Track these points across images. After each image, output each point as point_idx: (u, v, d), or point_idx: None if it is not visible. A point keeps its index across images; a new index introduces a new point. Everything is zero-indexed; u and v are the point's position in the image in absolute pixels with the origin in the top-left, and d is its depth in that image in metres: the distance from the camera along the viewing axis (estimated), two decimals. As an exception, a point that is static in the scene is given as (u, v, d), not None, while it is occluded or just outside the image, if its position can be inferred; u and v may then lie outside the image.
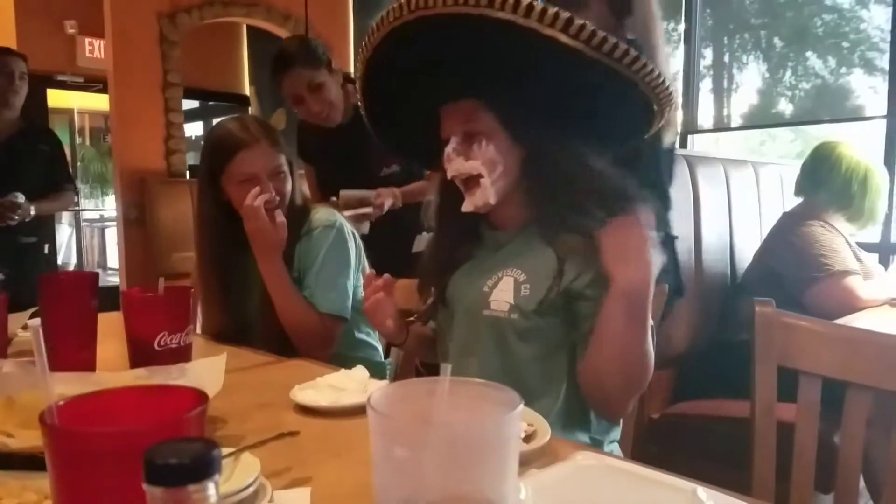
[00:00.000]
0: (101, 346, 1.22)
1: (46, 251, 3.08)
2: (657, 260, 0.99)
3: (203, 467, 0.32)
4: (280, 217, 1.43)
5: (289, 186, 1.53)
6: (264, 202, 1.43)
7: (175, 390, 0.51)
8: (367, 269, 1.64)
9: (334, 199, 2.17)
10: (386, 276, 1.25)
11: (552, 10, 0.92)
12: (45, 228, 3.07)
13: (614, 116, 1.14)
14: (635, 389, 1.06)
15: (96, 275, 1.32)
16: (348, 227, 1.62)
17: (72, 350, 1.17)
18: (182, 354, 1.02)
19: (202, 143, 1.57)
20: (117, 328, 1.10)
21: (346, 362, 1.24)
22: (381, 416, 0.42)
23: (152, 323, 1.01)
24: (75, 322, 1.18)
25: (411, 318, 1.31)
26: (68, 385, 0.87)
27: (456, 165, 1.11)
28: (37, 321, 1.24)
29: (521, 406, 0.44)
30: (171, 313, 1.04)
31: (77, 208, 7.29)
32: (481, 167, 1.09)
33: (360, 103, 1.24)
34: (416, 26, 1.01)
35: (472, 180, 1.11)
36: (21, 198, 2.62)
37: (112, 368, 1.16)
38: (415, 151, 1.41)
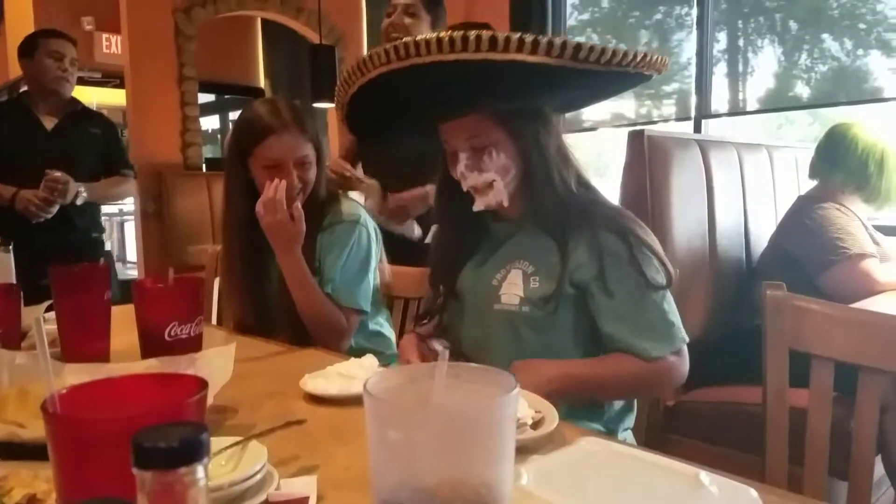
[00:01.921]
0: (116, 338, 1.24)
1: (108, 248, 2.93)
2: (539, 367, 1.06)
3: (192, 450, 0.32)
4: (298, 211, 1.42)
5: (313, 175, 1.52)
6: (286, 189, 1.42)
7: (177, 378, 0.51)
8: (384, 262, 1.65)
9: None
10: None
11: (529, 38, 0.94)
12: (99, 221, 2.82)
13: (608, 90, 1.18)
14: (648, 389, 1.18)
15: (109, 266, 1.34)
16: (371, 223, 1.62)
17: (85, 341, 1.18)
18: (192, 344, 1.03)
19: (233, 123, 1.57)
20: (133, 320, 1.11)
21: (359, 353, 1.24)
22: (375, 400, 0.42)
23: (162, 313, 1.02)
24: (89, 313, 1.20)
25: (424, 321, 1.31)
26: (79, 375, 0.88)
27: (471, 181, 1.14)
28: (51, 314, 1.26)
29: (518, 389, 0.44)
30: (181, 303, 1.05)
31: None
32: (495, 175, 1.12)
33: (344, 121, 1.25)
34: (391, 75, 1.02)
35: (486, 186, 1.14)
36: (57, 174, 2.41)
37: (126, 360, 1.17)
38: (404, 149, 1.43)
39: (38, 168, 2.42)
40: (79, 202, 2.52)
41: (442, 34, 0.96)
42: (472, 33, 0.94)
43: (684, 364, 1.11)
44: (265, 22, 6.00)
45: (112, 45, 6.46)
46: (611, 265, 1.08)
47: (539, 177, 1.13)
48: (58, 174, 2.41)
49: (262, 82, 6.43)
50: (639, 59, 1.01)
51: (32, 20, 5.40)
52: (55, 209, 2.46)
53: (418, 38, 0.98)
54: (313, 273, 1.50)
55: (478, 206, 1.15)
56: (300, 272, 1.46)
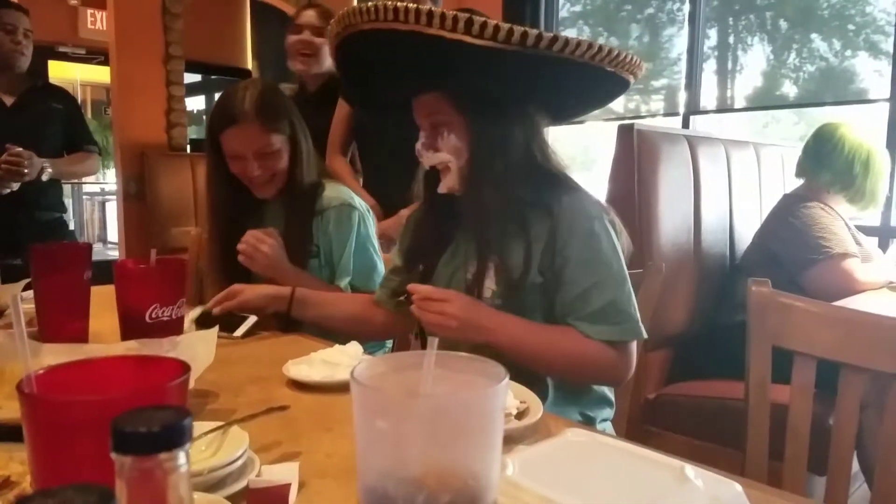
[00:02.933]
0: (95, 319, 1.21)
1: (71, 228, 2.81)
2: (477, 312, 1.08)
3: (173, 435, 0.31)
4: (264, 247, 1.44)
5: (281, 163, 1.50)
6: (254, 175, 1.47)
7: (158, 361, 0.50)
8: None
9: None
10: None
11: (451, 13, 0.95)
12: (62, 201, 2.74)
13: (579, 89, 1.16)
14: (592, 372, 1.10)
15: (90, 246, 1.31)
16: (363, 204, 1.62)
17: (64, 321, 1.16)
18: (174, 327, 1.02)
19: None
20: (113, 301, 1.09)
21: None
22: (363, 388, 0.41)
23: (144, 295, 1.00)
24: (68, 293, 1.17)
25: (401, 299, 1.30)
26: (57, 356, 0.86)
27: (427, 158, 1.17)
28: (30, 292, 1.24)
29: (507, 379, 0.43)
30: (163, 285, 1.03)
31: (78, 181, 7.22)
32: (448, 156, 1.14)
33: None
34: (362, 35, 1.05)
35: (445, 168, 1.16)
36: (19, 149, 2.33)
37: (105, 341, 1.16)
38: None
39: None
40: (44, 178, 2.44)
41: (411, 6, 0.97)
42: (426, 8, 0.96)
43: (625, 361, 1.09)
44: (254, 2, 5.92)
45: (97, 21, 6.36)
46: (571, 251, 1.08)
47: (480, 164, 1.12)
48: (19, 150, 2.33)
49: (249, 63, 6.35)
50: (604, 53, 1.01)
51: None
52: (17, 185, 2.38)
53: (394, 4, 0.99)
54: (311, 256, 1.52)
55: (441, 187, 1.17)
56: (309, 282, 1.46)
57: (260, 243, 1.44)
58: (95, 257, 1.36)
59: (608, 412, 1.19)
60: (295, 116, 1.54)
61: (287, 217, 1.53)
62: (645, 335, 1.10)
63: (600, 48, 1.01)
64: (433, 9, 0.96)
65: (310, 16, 2.34)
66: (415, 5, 0.97)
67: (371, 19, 1.01)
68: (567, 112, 1.25)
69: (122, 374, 0.48)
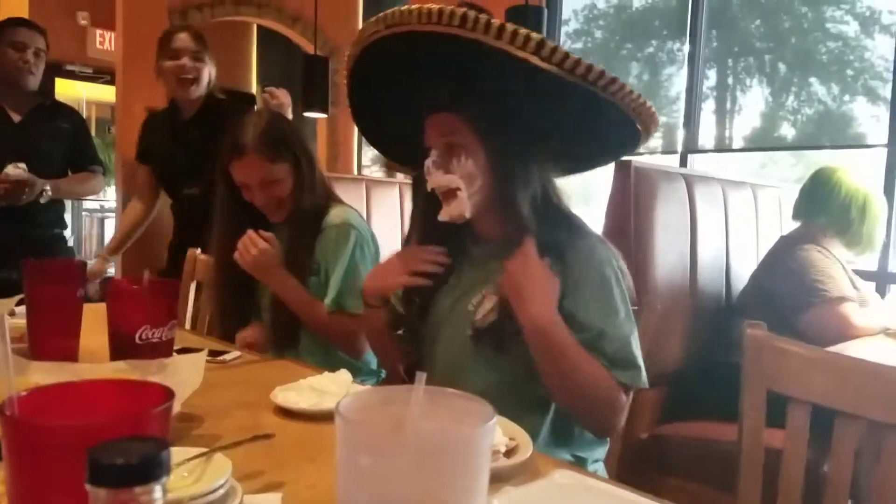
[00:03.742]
0: (87, 337, 1.20)
1: (70, 245, 2.78)
2: (553, 289, 1.04)
3: (149, 469, 0.30)
4: (254, 250, 1.47)
5: (284, 191, 1.56)
6: (260, 203, 1.55)
7: (142, 386, 0.49)
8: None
9: None
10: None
11: (523, 31, 0.92)
12: (63, 217, 2.72)
13: (599, 135, 1.15)
14: (600, 410, 1.06)
15: (83, 263, 1.31)
16: (365, 226, 1.64)
17: (54, 338, 1.15)
18: (163, 349, 1.01)
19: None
20: (106, 319, 1.08)
21: (341, 365, 1.25)
22: (347, 423, 0.40)
23: (134, 315, 0.99)
24: (59, 310, 1.16)
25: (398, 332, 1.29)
26: (45, 373, 0.85)
27: (435, 179, 1.11)
28: (22, 308, 1.22)
29: (495, 419, 0.42)
30: (154, 306, 1.02)
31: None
32: (459, 181, 1.10)
33: (349, 104, 1.25)
34: (398, 40, 1.01)
35: (451, 192, 1.11)
36: (22, 167, 2.33)
37: (96, 360, 1.14)
38: (402, 156, 1.38)
39: (3, 162, 2.34)
40: (42, 200, 2.44)
41: (482, 16, 0.93)
42: (472, 13, 0.93)
43: (624, 408, 1.07)
44: (260, 28, 6.00)
45: (105, 41, 6.44)
46: (582, 295, 1.06)
47: (503, 193, 1.11)
48: (25, 176, 2.34)
49: (254, 88, 6.41)
50: (634, 95, 1.00)
51: (27, 13, 5.34)
52: (16, 204, 2.38)
53: (421, 7, 0.95)
54: (312, 274, 1.56)
55: (442, 215, 1.13)
56: (294, 293, 1.52)
57: (252, 245, 1.48)
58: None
59: (600, 452, 1.17)
60: (298, 144, 1.58)
61: (290, 237, 1.57)
62: (647, 384, 1.08)
63: (629, 88, 1.00)
64: (506, 24, 0.92)
65: (184, 39, 2.34)
66: (485, 16, 0.93)
67: (431, 22, 0.95)
68: (578, 159, 1.24)
69: (105, 399, 0.48)
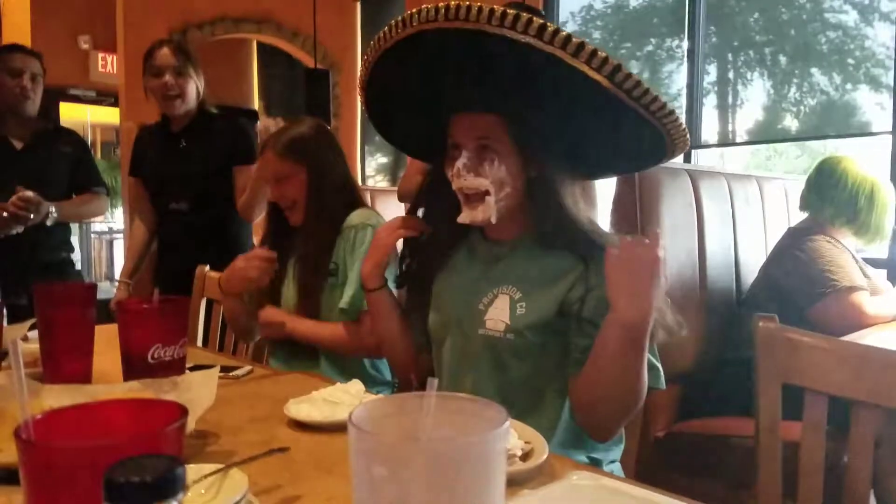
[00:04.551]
0: (99, 357, 1.21)
1: (78, 268, 2.77)
2: (662, 289, 0.96)
3: (165, 486, 0.30)
4: (253, 272, 1.57)
5: (292, 191, 1.62)
6: (274, 199, 1.65)
7: (156, 405, 0.49)
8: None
9: None
10: None
11: (577, 39, 0.90)
12: (69, 241, 2.73)
13: (629, 147, 1.14)
14: (627, 415, 1.03)
15: (94, 286, 1.31)
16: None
17: (67, 360, 1.16)
18: (175, 367, 1.01)
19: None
20: (117, 339, 1.09)
21: (354, 374, 1.29)
22: (360, 433, 0.40)
23: (146, 335, 1.00)
24: (71, 332, 1.17)
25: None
26: (59, 397, 0.86)
27: (466, 181, 1.08)
28: (36, 332, 1.23)
29: (508, 423, 0.42)
30: (165, 325, 1.02)
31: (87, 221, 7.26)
32: (490, 185, 1.08)
33: (362, 100, 1.23)
34: (439, 34, 0.98)
35: (478, 196, 1.09)
36: (28, 193, 2.32)
37: (108, 380, 1.15)
38: (414, 146, 1.39)
39: (7, 189, 2.34)
40: (49, 223, 2.44)
41: (536, 19, 0.91)
42: (525, 15, 0.90)
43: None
44: (260, 44, 6.05)
45: (108, 64, 6.49)
46: (602, 297, 1.02)
47: (540, 209, 1.10)
48: (29, 194, 2.33)
49: (255, 104, 6.45)
50: (673, 116, 0.99)
51: (30, 39, 5.41)
52: (21, 228, 2.38)
53: (469, 3, 0.93)
54: (329, 276, 1.60)
55: (463, 218, 1.11)
56: (301, 326, 1.58)
57: (249, 265, 1.57)
58: (102, 295, 1.36)
59: (616, 452, 1.16)
60: (317, 152, 1.65)
61: (306, 240, 1.64)
62: (664, 385, 1.07)
63: (669, 110, 0.99)
64: (560, 30, 0.91)
65: (165, 56, 2.33)
66: (539, 20, 0.91)
67: (495, 24, 0.91)
68: (601, 167, 1.25)
69: (119, 419, 0.48)
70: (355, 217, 1.63)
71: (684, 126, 1.03)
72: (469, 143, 1.09)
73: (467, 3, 0.93)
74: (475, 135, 1.09)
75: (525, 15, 0.90)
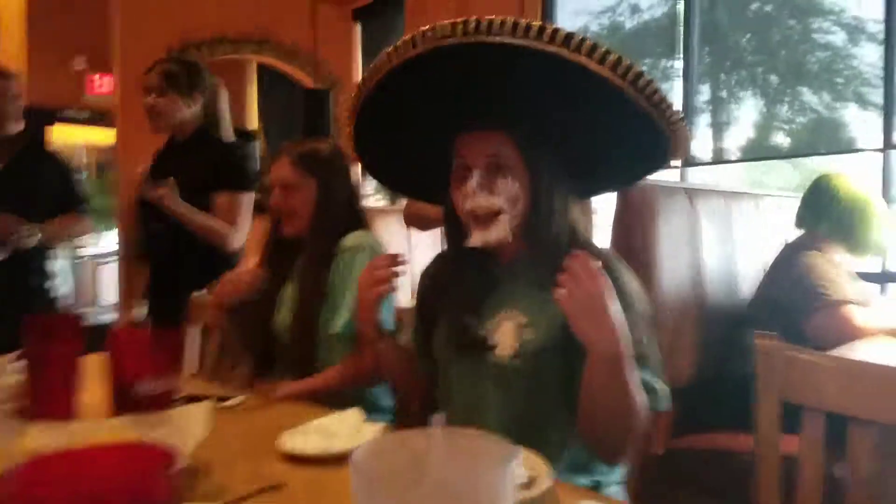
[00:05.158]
0: (86, 389, 1.17)
1: (62, 292, 2.71)
2: (618, 308, 0.94)
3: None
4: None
5: (295, 203, 1.61)
6: (275, 203, 1.62)
7: (145, 449, 0.47)
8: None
9: None
10: None
11: (603, 47, 0.89)
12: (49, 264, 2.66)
13: (627, 158, 1.13)
14: (631, 435, 1.00)
15: (80, 318, 1.26)
16: (381, 248, 1.63)
17: (53, 395, 1.12)
18: (166, 400, 0.98)
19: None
20: (104, 369, 1.06)
21: (354, 401, 1.24)
22: (363, 475, 0.39)
23: (137, 367, 0.97)
24: (57, 366, 1.13)
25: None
26: (44, 436, 0.83)
27: (479, 200, 1.06)
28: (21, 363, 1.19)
29: (515, 461, 0.41)
30: (156, 357, 1.00)
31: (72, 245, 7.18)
32: (504, 203, 1.06)
33: (348, 133, 1.18)
34: (440, 52, 0.95)
35: (489, 216, 1.07)
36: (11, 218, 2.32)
37: (96, 413, 1.11)
38: (406, 186, 1.36)
39: None
40: (32, 243, 2.39)
41: (561, 28, 0.89)
42: (550, 27, 0.89)
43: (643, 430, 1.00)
44: (260, 65, 6.05)
45: (103, 85, 6.49)
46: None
47: (540, 217, 1.08)
48: (12, 218, 2.32)
49: (255, 124, 6.44)
50: (675, 109, 0.98)
51: (26, 60, 5.39)
52: (3, 255, 2.34)
53: (485, 17, 0.90)
54: (324, 299, 1.56)
55: (475, 240, 1.07)
56: (301, 386, 1.52)
57: (241, 273, 1.61)
58: (87, 321, 1.32)
59: (618, 475, 1.14)
60: (333, 170, 1.65)
61: (307, 259, 1.62)
62: (670, 407, 1.05)
63: (671, 105, 0.97)
64: (586, 38, 0.89)
65: (151, 77, 2.34)
66: (537, 23, 0.89)
67: (516, 35, 0.90)
68: (594, 188, 1.25)
69: (107, 464, 0.46)
70: (350, 239, 1.60)
71: (682, 116, 1.00)
72: (480, 161, 1.07)
73: (464, 18, 0.92)
74: (486, 153, 1.07)
75: (522, 21, 0.89)
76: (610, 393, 0.95)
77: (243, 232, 2.28)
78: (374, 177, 1.31)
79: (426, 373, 1.25)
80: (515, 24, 0.89)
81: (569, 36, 0.89)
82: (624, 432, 0.99)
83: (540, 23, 0.90)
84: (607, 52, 0.89)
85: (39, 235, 2.42)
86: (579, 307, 0.92)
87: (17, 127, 2.54)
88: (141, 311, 2.35)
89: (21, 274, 2.48)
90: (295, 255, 1.68)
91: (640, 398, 0.98)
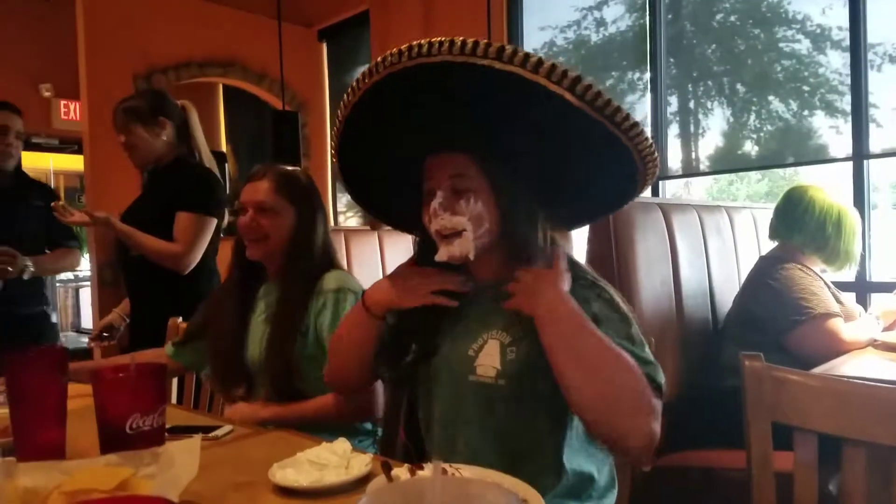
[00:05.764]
0: (72, 422, 1.15)
1: (54, 321, 2.76)
2: (567, 284, 1.03)
3: None
4: None
5: (272, 226, 1.57)
6: (245, 223, 1.57)
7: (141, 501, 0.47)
8: None
9: None
10: None
11: (561, 67, 0.91)
12: (45, 294, 2.71)
13: (597, 188, 1.16)
14: (629, 395, 0.96)
15: (65, 350, 1.26)
16: (361, 290, 1.60)
17: (39, 432, 1.10)
18: (155, 437, 0.97)
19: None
20: (89, 400, 1.04)
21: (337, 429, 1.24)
22: (367, 531, 0.39)
23: (123, 405, 0.96)
24: (42, 402, 1.12)
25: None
26: (33, 476, 0.82)
27: (442, 221, 1.08)
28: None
29: (518, 508, 0.41)
30: (143, 394, 0.99)
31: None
32: (467, 223, 1.08)
33: (334, 158, 1.21)
34: (410, 73, 0.96)
35: (455, 233, 1.09)
36: (5, 248, 2.35)
37: (82, 448, 1.09)
38: (387, 213, 1.36)
39: None
40: (26, 276, 2.41)
41: (520, 49, 0.91)
42: (482, 41, 0.90)
43: (658, 414, 0.98)
44: (226, 87, 6.03)
45: (70, 112, 6.42)
46: (608, 327, 1.03)
47: (508, 237, 1.10)
48: (5, 248, 2.32)
49: (223, 146, 6.41)
50: (648, 141, 1.01)
51: (-8, 88, 5.32)
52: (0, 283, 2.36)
53: (434, 39, 0.92)
54: (301, 334, 1.53)
55: (440, 255, 1.10)
56: (293, 413, 1.50)
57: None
58: (69, 345, 1.31)
59: (611, 498, 1.15)
60: (312, 202, 1.63)
61: (280, 293, 1.58)
62: (663, 380, 1.04)
63: (647, 139, 1.00)
64: (543, 59, 0.90)
65: (115, 117, 2.36)
66: (497, 44, 0.90)
67: (466, 53, 0.90)
68: (569, 221, 1.28)
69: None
70: (332, 280, 1.57)
71: (651, 142, 1.02)
72: (443, 182, 1.10)
73: (409, 43, 0.94)
74: (447, 173, 1.10)
75: (482, 41, 0.91)
76: (572, 353, 0.97)
77: (197, 254, 2.26)
78: (366, 209, 1.32)
79: (408, 398, 1.25)
80: (452, 43, 0.91)
81: (502, 49, 0.90)
82: (619, 390, 0.95)
83: (477, 39, 0.91)
84: (565, 72, 0.91)
85: (32, 269, 2.44)
86: (522, 290, 1.03)
87: (16, 163, 2.59)
88: (113, 333, 2.37)
89: (16, 302, 2.49)
90: (260, 280, 1.66)
91: (628, 358, 0.97)
